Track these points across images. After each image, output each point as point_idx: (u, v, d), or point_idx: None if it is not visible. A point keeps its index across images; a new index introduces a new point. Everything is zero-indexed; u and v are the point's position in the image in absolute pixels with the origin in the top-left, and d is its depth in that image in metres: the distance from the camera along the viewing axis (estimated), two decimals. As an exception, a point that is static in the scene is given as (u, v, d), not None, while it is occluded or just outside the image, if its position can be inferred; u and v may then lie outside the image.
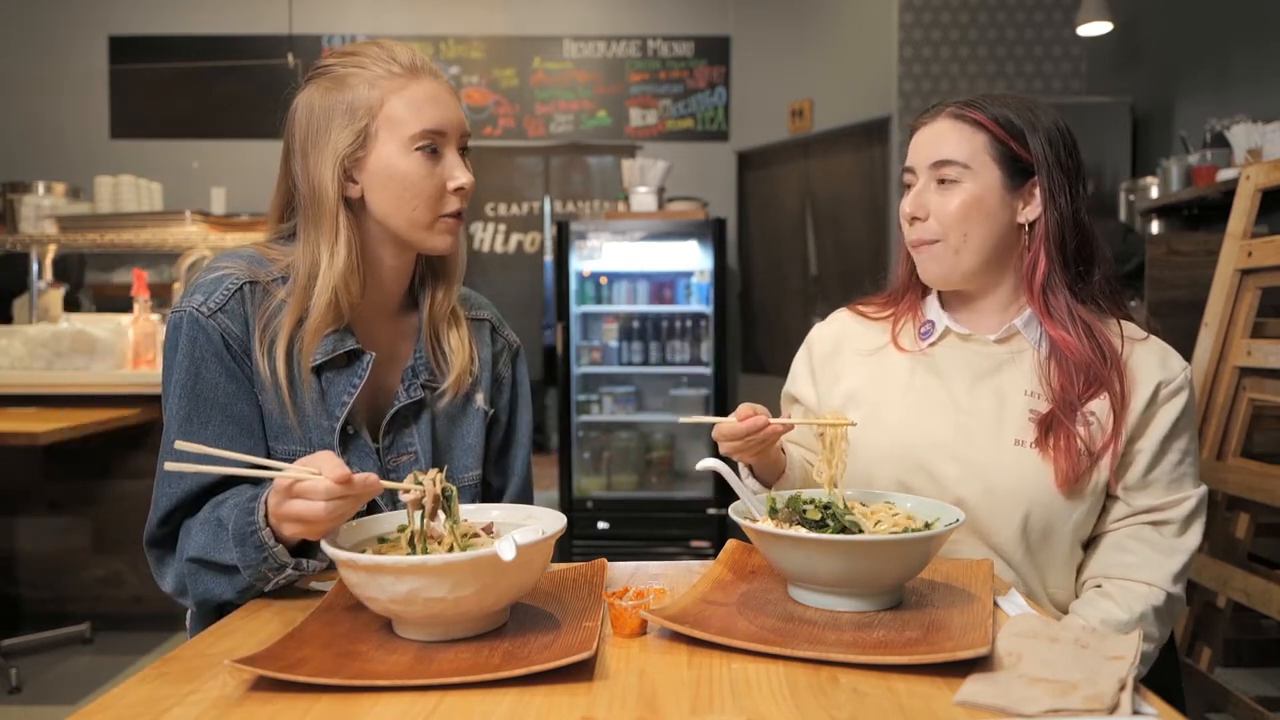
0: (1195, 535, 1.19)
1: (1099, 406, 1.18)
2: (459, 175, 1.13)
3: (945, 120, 1.22)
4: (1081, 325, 1.18)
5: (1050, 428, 1.17)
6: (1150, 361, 1.20)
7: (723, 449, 1.11)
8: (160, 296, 3.95)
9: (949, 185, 1.20)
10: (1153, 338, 1.24)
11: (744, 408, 1.08)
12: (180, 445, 0.89)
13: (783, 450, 1.28)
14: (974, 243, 1.19)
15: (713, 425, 1.09)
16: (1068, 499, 1.17)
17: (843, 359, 1.34)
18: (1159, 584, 1.16)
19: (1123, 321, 1.23)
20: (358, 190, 1.13)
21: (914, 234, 1.23)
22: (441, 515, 0.91)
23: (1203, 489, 1.20)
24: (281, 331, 1.10)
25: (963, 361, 1.25)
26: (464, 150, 1.16)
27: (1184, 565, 1.17)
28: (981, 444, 1.20)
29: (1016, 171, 1.20)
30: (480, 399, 1.26)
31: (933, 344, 1.28)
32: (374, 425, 1.18)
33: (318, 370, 1.13)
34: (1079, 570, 1.22)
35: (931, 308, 1.30)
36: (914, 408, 1.25)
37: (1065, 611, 1.19)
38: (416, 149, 1.10)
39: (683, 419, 1.12)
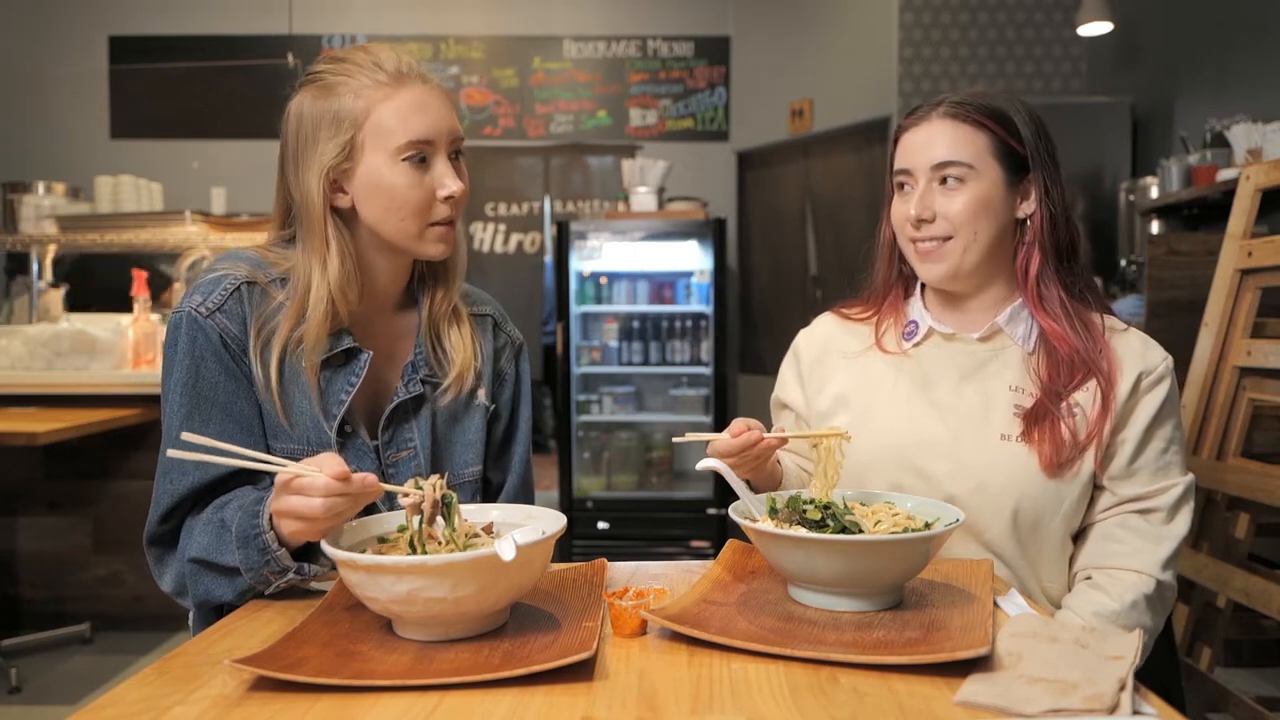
0: (1183, 522, 1.19)
1: (1083, 398, 1.19)
2: (448, 184, 1.12)
3: (942, 121, 1.21)
4: (1071, 317, 1.20)
5: (1036, 418, 1.18)
6: (1132, 352, 1.21)
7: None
8: (160, 296, 3.95)
9: (954, 186, 1.19)
10: (1133, 329, 1.25)
11: (738, 423, 1.08)
12: (186, 437, 0.89)
13: (778, 462, 1.28)
14: (982, 240, 1.20)
15: (708, 438, 1.09)
16: (1055, 489, 1.17)
17: (830, 363, 1.34)
18: (1149, 571, 1.16)
19: (1104, 314, 1.24)
20: (347, 200, 1.12)
21: (921, 235, 1.21)
22: (440, 521, 0.91)
23: (1189, 477, 1.21)
24: (277, 334, 1.11)
25: (947, 360, 1.26)
26: (458, 154, 1.15)
27: (1173, 552, 1.18)
28: (970, 441, 1.20)
29: (1015, 168, 1.21)
30: (482, 394, 1.26)
31: (917, 344, 1.28)
32: (372, 423, 1.18)
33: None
34: (1070, 563, 1.23)
35: (915, 308, 1.31)
36: (903, 408, 1.25)
37: (1060, 605, 1.20)
38: (404, 159, 1.09)
39: (676, 439, 1.12)
